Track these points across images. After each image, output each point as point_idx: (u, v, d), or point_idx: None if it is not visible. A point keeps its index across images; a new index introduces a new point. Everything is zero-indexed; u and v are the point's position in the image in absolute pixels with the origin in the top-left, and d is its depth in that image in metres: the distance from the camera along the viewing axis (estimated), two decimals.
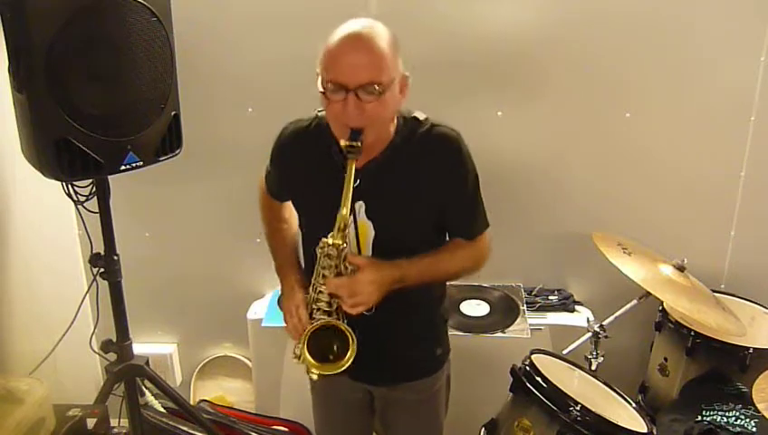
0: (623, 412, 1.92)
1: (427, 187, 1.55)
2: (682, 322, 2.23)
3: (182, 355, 2.88)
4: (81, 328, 2.23)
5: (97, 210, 1.96)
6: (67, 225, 2.59)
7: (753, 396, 1.68)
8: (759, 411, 1.63)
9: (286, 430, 2.65)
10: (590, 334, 2.18)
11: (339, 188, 1.46)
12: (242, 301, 2.64)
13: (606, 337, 2.17)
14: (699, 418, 2.00)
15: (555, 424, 1.76)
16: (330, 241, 1.48)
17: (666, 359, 2.30)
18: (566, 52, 2.34)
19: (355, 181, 1.47)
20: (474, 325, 2.39)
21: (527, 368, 1.89)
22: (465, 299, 2.54)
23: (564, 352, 2.17)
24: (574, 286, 2.63)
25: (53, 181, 1.77)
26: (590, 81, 2.36)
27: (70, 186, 1.92)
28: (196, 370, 2.88)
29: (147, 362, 2.11)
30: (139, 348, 2.13)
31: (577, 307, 2.57)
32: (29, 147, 1.73)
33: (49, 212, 2.47)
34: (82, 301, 2.14)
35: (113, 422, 2.05)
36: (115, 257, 1.99)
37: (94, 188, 1.94)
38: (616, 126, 2.40)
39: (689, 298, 2.05)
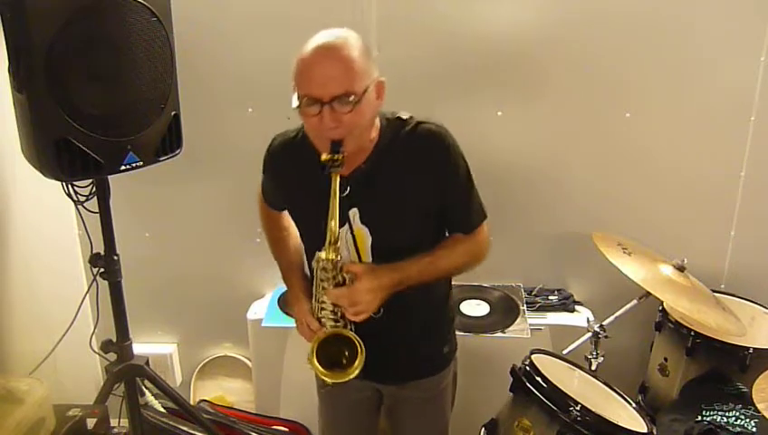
0: (623, 412, 1.92)
1: (418, 186, 1.55)
2: (682, 322, 2.23)
3: (182, 355, 2.88)
4: (81, 328, 2.23)
5: (97, 210, 1.96)
6: (67, 225, 2.59)
7: (753, 396, 1.68)
8: (759, 411, 1.62)
9: (286, 430, 2.65)
10: (590, 334, 2.18)
11: (328, 199, 1.46)
12: (242, 301, 2.64)
13: (606, 337, 2.17)
14: (699, 418, 2.00)
15: (555, 424, 1.76)
16: (323, 256, 1.49)
17: (666, 359, 2.30)
18: (566, 52, 2.34)
19: (344, 190, 1.47)
20: (474, 325, 2.39)
21: (527, 368, 1.89)
22: (465, 299, 2.54)
23: (564, 352, 2.17)
24: (574, 286, 2.63)
25: (53, 181, 1.77)
26: (590, 81, 2.36)
27: (70, 186, 1.92)
28: (196, 370, 2.88)
29: (147, 362, 2.11)
30: (139, 348, 2.13)
31: (577, 307, 2.56)
32: (29, 147, 1.73)
33: (49, 212, 2.47)
34: (82, 301, 2.14)
35: (113, 422, 2.06)
36: (115, 257, 1.99)
37: (94, 188, 1.94)
38: (616, 126, 2.40)
39: (689, 298, 2.05)
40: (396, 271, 1.54)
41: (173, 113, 1.89)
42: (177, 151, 1.94)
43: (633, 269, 2.07)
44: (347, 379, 1.51)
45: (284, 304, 2.52)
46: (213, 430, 2.39)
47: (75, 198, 1.94)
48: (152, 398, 2.57)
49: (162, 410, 2.57)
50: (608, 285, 2.47)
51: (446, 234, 1.68)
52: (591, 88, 2.37)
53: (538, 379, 1.84)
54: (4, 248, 2.27)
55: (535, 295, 2.57)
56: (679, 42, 2.29)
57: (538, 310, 2.51)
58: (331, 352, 1.54)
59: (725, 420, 1.97)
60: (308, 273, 1.72)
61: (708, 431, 1.94)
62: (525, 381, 1.86)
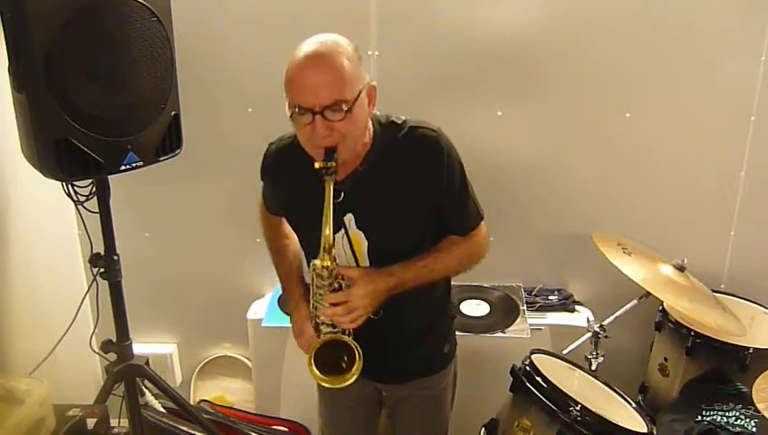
0: (623, 412, 1.92)
1: (413, 190, 1.54)
2: (682, 322, 2.23)
3: (182, 355, 2.88)
4: (81, 328, 2.23)
5: (97, 210, 1.96)
6: (67, 225, 2.59)
7: (753, 396, 1.68)
8: (759, 411, 1.63)
9: (286, 430, 2.65)
10: (590, 334, 2.18)
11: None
12: (242, 301, 2.64)
13: (606, 337, 2.17)
14: (699, 418, 2.00)
15: (555, 424, 1.77)
16: (318, 263, 1.48)
17: (666, 359, 2.30)
18: (566, 52, 2.34)
19: (338, 196, 1.47)
20: (474, 325, 2.39)
21: (527, 368, 1.89)
22: (465, 299, 2.54)
23: (564, 352, 2.17)
24: (574, 286, 2.63)
25: (53, 181, 1.77)
26: (590, 81, 2.36)
27: (70, 186, 1.92)
28: (196, 370, 2.88)
29: (147, 362, 2.11)
30: (139, 348, 2.13)
31: (577, 307, 2.57)
32: (29, 147, 1.73)
33: (49, 212, 2.47)
34: (82, 301, 2.14)
35: (113, 422, 2.05)
36: (115, 257, 1.99)
37: (94, 188, 1.94)
38: (616, 126, 2.40)
39: (689, 298, 2.05)
40: (392, 275, 1.54)
41: (173, 113, 1.89)
42: (177, 151, 1.94)
43: (633, 269, 2.07)
44: (344, 384, 1.51)
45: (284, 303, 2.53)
46: (213, 430, 2.39)
47: (75, 198, 1.94)
48: (152, 398, 2.56)
49: (162, 410, 2.57)
50: (608, 285, 2.47)
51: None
52: (591, 88, 2.37)
53: (538, 379, 1.84)
54: (4, 248, 2.27)
55: (535, 295, 2.57)
56: (679, 42, 2.30)
57: (538, 310, 2.51)
58: (329, 357, 1.54)
59: (725, 420, 1.97)
60: (306, 278, 1.73)
61: (708, 431, 1.94)
62: (525, 381, 1.86)
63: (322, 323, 1.55)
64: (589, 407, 1.75)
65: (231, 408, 2.80)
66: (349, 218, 1.56)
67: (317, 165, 1.42)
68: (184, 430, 2.50)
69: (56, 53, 1.60)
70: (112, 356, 2.07)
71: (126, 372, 2.06)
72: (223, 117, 2.50)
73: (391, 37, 2.34)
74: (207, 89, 2.40)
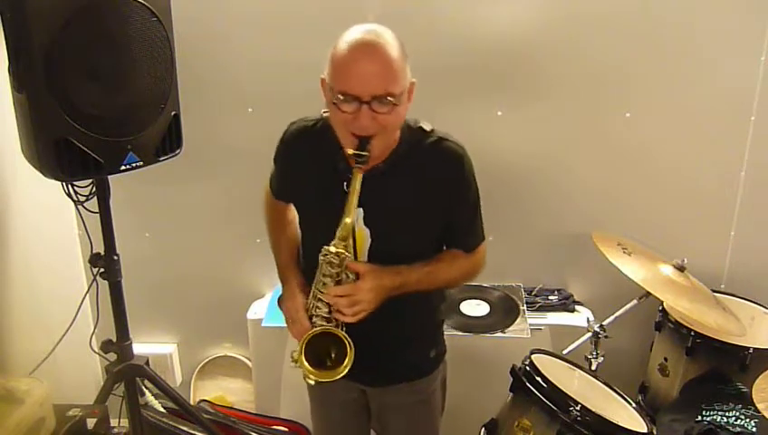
0: (623, 412, 1.92)
1: (429, 201, 1.55)
2: (682, 322, 2.23)
3: (182, 355, 2.88)
4: (81, 328, 2.23)
5: (97, 210, 1.96)
6: (67, 225, 2.59)
7: (753, 396, 1.68)
8: (759, 411, 1.62)
9: (286, 430, 2.65)
10: (590, 334, 2.18)
11: (340, 195, 1.46)
12: (242, 301, 2.64)
13: (606, 337, 2.17)
14: (699, 418, 2.00)
15: (555, 424, 1.76)
16: (332, 249, 1.47)
17: (666, 359, 2.30)
18: (566, 52, 2.34)
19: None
20: (474, 325, 2.39)
21: (527, 368, 1.89)
22: (465, 299, 2.54)
23: (564, 352, 2.17)
24: (574, 286, 2.63)
25: (53, 181, 1.77)
26: (590, 81, 2.36)
27: (70, 186, 1.92)
28: (196, 370, 2.88)
29: (147, 362, 2.11)
30: (139, 348, 2.13)
31: (577, 307, 2.57)
32: (29, 147, 1.73)
33: (49, 212, 2.47)
34: (82, 301, 2.14)
35: (113, 422, 2.05)
36: (115, 257, 1.99)
37: (94, 188, 1.94)
38: (616, 126, 2.40)
39: (689, 298, 2.05)
40: (398, 274, 1.54)
41: (173, 113, 1.89)
42: (177, 151, 1.94)
43: (633, 269, 2.07)
44: (334, 378, 1.50)
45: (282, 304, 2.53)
46: (213, 430, 2.39)
47: (75, 198, 1.94)
48: (152, 398, 2.56)
49: (162, 410, 2.57)
50: (608, 285, 2.47)
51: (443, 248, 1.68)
52: (591, 88, 2.37)
53: (538, 379, 1.84)
54: (4, 248, 2.27)
55: (535, 295, 2.57)
56: (679, 42, 2.29)
57: (538, 310, 2.51)
58: (317, 351, 1.53)
59: (725, 420, 1.97)
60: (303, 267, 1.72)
61: (708, 431, 1.94)
62: (525, 381, 1.86)
63: (317, 316, 1.54)
64: (589, 407, 1.75)
65: (231, 408, 2.80)
66: (358, 213, 1.55)
67: (350, 151, 1.42)
68: (184, 430, 2.50)
69: (56, 53, 1.59)
70: (112, 356, 2.07)
71: (126, 372, 2.06)
72: (223, 117, 2.50)
73: None
74: (207, 89, 2.41)
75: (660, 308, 2.33)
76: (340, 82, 1.39)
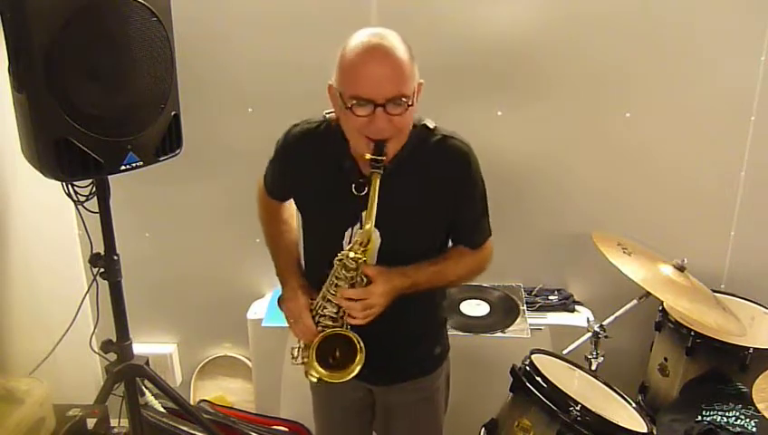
0: (623, 412, 1.92)
1: (437, 199, 1.55)
2: (682, 322, 2.23)
3: (182, 355, 2.88)
4: (81, 328, 2.23)
5: (97, 210, 1.96)
6: (67, 225, 2.59)
7: (753, 396, 1.68)
8: (759, 411, 1.63)
9: (286, 429, 2.65)
10: (590, 334, 2.18)
11: (346, 196, 1.46)
12: (242, 301, 2.64)
13: (606, 337, 2.17)
14: (699, 418, 2.00)
15: (555, 424, 1.77)
16: (351, 254, 1.47)
17: (666, 359, 2.30)
18: (566, 51, 2.34)
19: (363, 189, 1.46)
20: (474, 325, 2.39)
21: (527, 368, 1.89)
22: (465, 299, 2.54)
23: (564, 352, 2.17)
24: (574, 286, 2.63)
25: (53, 181, 1.77)
26: (590, 81, 2.36)
27: (70, 186, 1.92)
28: (196, 370, 2.88)
29: (147, 362, 2.11)
30: (139, 348, 2.13)
31: (577, 307, 2.57)
32: (29, 147, 1.73)
33: (49, 212, 2.47)
34: (82, 301, 2.14)
35: (113, 422, 2.05)
36: (115, 257, 1.99)
37: (94, 188, 1.94)
38: (616, 126, 2.40)
39: (689, 298, 2.05)
40: (407, 276, 1.54)
41: (173, 113, 1.89)
42: (177, 151, 1.94)
43: (633, 269, 2.07)
44: (344, 379, 1.51)
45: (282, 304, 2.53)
46: (213, 430, 2.39)
47: (75, 198, 1.94)
48: (152, 398, 2.56)
49: (162, 410, 2.57)
50: (608, 285, 2.47)
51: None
52: (591, 88, 2.37)
53: (538, 379, 1.84)
54: (4, 248, 2.27)
55: (535, 295, 2.57)
56: (679, 42, 2.29)
57: (538, 310, 2.51)
58: (324, 352, 1.54)
59: (725, 420, 1.97)
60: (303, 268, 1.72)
61: (708, 431, 1.95)
62: (525, 381, 1.86)
63: (322, 316, 1.54)
64: (589, 407, 1.75)
65: (231, 408, 2.80)
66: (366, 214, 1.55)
67: (367, 156, 1.42)
68: (184, 430, 2.50)
69: (56, 53, 1.59)
70: (112, 356, 2.07)
71: (126, 372, 2.06)
72: (223, 117, 2.50)
73: None
74: (207, 89, 2.40)
75: (660, 308, 2.33)
76: (352, 86, 1.39)
